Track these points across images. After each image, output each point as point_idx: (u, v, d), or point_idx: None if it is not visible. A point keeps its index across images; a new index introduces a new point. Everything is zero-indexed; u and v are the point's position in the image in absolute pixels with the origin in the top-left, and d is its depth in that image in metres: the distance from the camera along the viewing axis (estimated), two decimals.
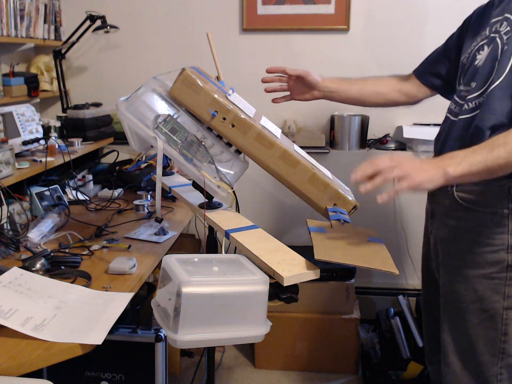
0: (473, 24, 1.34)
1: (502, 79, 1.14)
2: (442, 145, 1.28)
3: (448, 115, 1.31)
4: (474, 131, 1.16)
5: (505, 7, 1.21)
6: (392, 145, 2.49)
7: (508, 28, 1.16)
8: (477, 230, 1.20)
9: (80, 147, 2.27)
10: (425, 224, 1.44)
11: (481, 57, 1.22)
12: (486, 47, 1.21)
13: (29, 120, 2.00)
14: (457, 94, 1.29)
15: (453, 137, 1.24)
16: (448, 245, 1.28)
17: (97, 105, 2.55)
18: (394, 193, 1.00)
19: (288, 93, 1.53)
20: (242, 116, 1.17)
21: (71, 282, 1.33)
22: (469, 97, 1.22)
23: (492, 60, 1.17)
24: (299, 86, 1.50)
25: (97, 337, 1.06)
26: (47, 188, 1.92)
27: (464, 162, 1.03)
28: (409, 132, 2.41)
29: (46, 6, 2.44)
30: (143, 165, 2.09)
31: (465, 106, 1.22)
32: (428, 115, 2.44)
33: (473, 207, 1.20)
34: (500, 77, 1.14)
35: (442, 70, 1.44)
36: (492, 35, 1.20)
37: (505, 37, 1.16)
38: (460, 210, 1.23)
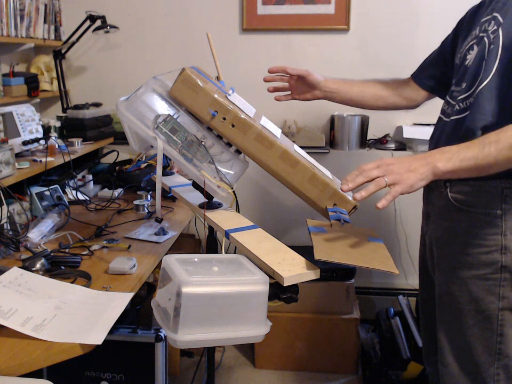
0: (466, 25, 1.33)
1: (489, 79, 1.13)
2: (435, 146, 1.27)
3: (441, 116, 1.31)
4: (466, 133, 1.16)
5: (494, 6, 1.20)
6: (392, 145, 2.49)
7: (495, 27, 1.15)
8: (470, 231, 1.20)
9: (80, 147, 2.27)
10: (422, 225, 1.44)
11: (470, 57, 1.21)
12: (475, 47, 1.21)
13: (29, 120, 2.00)
14: (449, 95, 1.29)
15: (445, 138, 1.24)
16: (442, 246, 1.28)
17: (97, 105, 2.55)
18: (391, 198, 1.00)
19: (289, 92, 1.53)
20: (242, 116, 1.17)
21: (71, 282, 1.33)
22: (459, 97, 1.22)
23: (479, 60, 1.17)
24: (300, 86, 1.50)
25: (97, 337, 1.06)
26: (47, 188, 1.92)
27: (455, 159, 1.03)
28: (409, 132, 2.41)
29: (46, 6, 2.44)
30: (143, 165, 2.09)
31: (456, 106, 1.22)
32: (427, 115, 2.44)
33: (467, 208, 1.20)
34: (488, 76, 1.14)
35: (438, 72, 1.44)
36: (481, 34, 1.20)
37: (492, 36, 1.15)
38: (453, 211, 1.23)
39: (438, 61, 1.45)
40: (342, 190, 1.02)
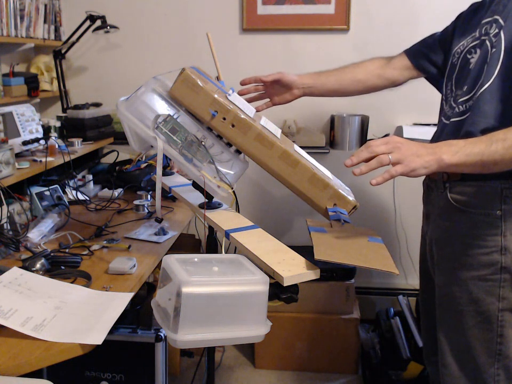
0: (465, 20, 1.33)
1: (491, 82, 1.13)
2: None
3: (442, 118, 1.31)
4: (465, 135, 1.15)
5: (495, 8, 1.20)
6: None
7: (496, 30, 1.15)
8: (470, 232, 1.20)
9: (80, 147, 2.27)
10: (422, 225, 1.44)
11: (473, 60, 1.21)
12: (478, 50, 1.21)
13: (29, 120, 2.00)
14: (452, 97, 1.29)
15: (443, 139, 1.24)
16: (442, 247, 1.28)
17: (97, 105, 2.55)
18: (389, 176, 1.00)
19: (268, 99, 1.51)
20: (242, 116, 1.17)
21: (71, 282, 1.33)
22: (460, 100, 1.22)
23: (481, 63, 1.17)
24: (277, 90, 1.48)
25: (97, 337, 1.06)
26: (47, 188, 1.92)
27: (461, 153, 1.03)
28: (409, 132, 2.41)
29: (46, 6, 2.44)
30: (143, 165, 2.08)
31: (456, 109, 1.23)
32: (428, 115, 2.44)
33: (466, 208, 1.20)
34: (489, 80, 1.13)
35: (439, 59, 1.42)
36: (483, 37, 1.20)
37: (494, 40, 1.15)
38: (453, 211, 1.23)
39: (438, 48, 1.43)
40: (346, 165, 1.02)
